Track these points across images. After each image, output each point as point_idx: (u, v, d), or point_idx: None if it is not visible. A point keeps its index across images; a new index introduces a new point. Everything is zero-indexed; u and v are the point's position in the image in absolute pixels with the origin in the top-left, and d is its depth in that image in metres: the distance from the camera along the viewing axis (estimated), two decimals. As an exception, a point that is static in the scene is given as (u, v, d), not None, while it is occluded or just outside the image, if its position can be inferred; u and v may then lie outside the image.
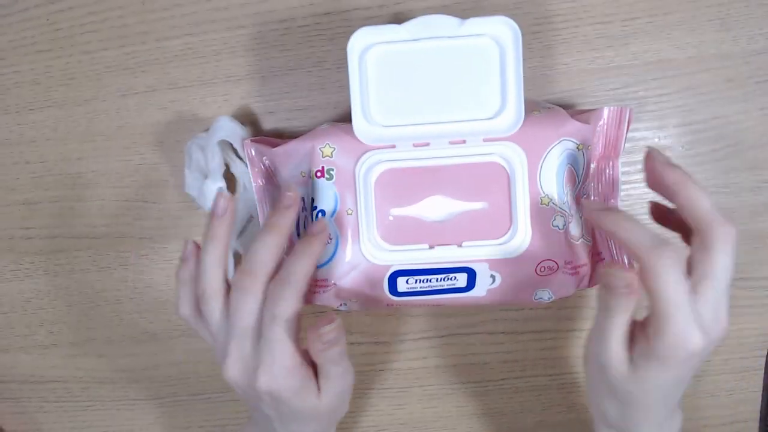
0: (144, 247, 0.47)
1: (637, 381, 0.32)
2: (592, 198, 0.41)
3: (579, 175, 0.39)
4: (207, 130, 0.42)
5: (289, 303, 0.32)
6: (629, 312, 0.32)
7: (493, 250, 0.38)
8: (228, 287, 0.35)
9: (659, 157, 0.34)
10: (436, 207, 0.38)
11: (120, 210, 0.46)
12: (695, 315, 0.30)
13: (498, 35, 0.36)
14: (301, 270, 0.33)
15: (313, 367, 0.34)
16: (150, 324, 0.48)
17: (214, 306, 0.34)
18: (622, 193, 0.42)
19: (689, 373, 0.32)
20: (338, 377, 0.34)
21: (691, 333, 0.30)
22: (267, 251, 0.33)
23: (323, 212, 0.38)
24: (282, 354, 0.32)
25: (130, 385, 0.49)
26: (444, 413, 0.48)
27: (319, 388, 0.34)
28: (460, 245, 0.38)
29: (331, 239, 0.39)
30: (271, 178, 0.42)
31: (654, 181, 0.34)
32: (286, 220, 0.35)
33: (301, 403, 0.34)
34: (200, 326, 0.36)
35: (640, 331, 0.32)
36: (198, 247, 0.36)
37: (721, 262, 0.31)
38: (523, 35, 0.36)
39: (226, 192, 0.35)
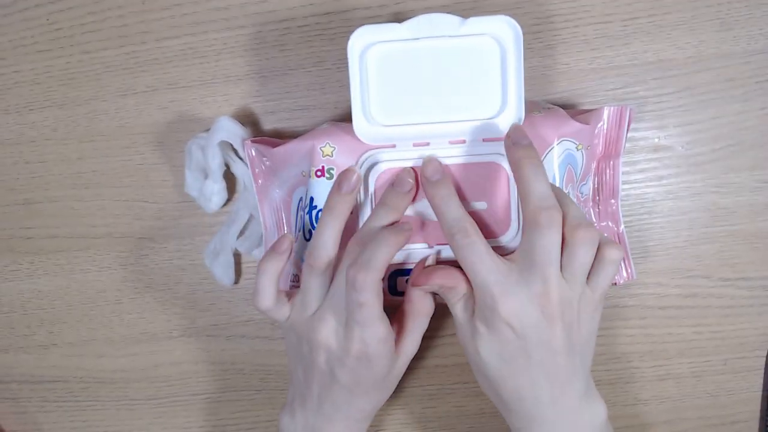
0: (144, 247, 0.47)
1: (477, 350, 0.35)
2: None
3: (577, 176, 0.39)
4: (208, 130, 0.43)
5: (371, 290, 0.34)
6: (465, 298, 0.36)
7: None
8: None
9: (513, 136, 0.36)
10: (436, 207, 0.38)
11: (120, 210, 0.46)
12: (500, 283, 0.33)
13: (499, 35, 0.36)
14: (381, 257, 0.35)
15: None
16: (150, 324, 0.48)
17: (318, 282, 0.37)
18: (622, 193, 0.42)
19: (524, 344, 0.34)
20: (417, 332, 0.38)
21: (491, 296, 0.33)
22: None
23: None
24: (374, 329, 0.35)
25: (130, 385, 0.49)
26: (444, 413, 0.48)
27: (397, 352, 0.37)
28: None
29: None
30: (271, 178, 0.42)
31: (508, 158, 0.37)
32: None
33: (382, 366, 0.36)
34: (278, 313, 0.38)
35: None
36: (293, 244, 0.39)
37: (532, 243, 0.33)
38: (523, 35, 0.36)
39: (358, 170, 0.37)
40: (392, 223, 0.37)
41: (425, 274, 0.36)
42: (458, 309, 0.36)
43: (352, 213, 0.38)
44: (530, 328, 0.33)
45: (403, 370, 0.39)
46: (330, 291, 0.37)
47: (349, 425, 0.39)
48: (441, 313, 0.46)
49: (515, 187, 0.37)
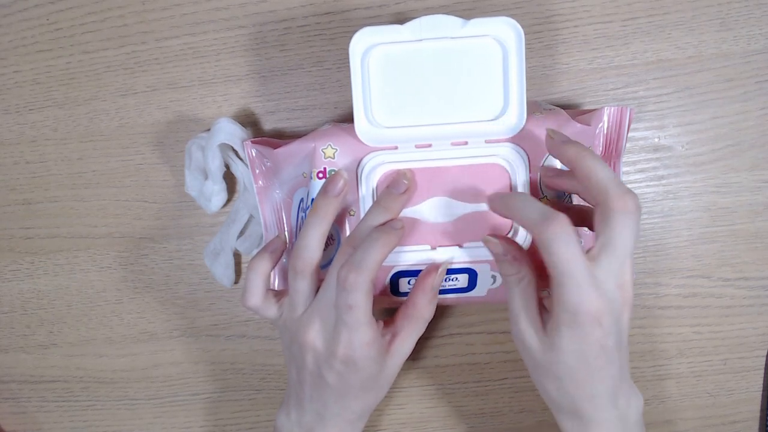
0: (144, 247, 0.47)
1: (553, 351, 0.33)
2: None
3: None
4: (208, 130, 0.42)
5: (361, 291, 0.34)
6: (525, 282, 0.34)
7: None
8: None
9: (557, 137, 0.35)
10: (438, 208, 0.38)
11: (120, 210, 0.46)
12: (592, 280, 0.31)
13: (501, 36, 0.36)
14: (373, 258, 0.34)
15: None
16: (150, 324, 0.48)
17: (304, 284, 0.37)
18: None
19: (607, 341, 0.32)
20: (414, 335, 0.38)
21: (587, 296, 0.31)
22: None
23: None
24: (361, 333, 0.35)
25: (130, 385, 0.49)
26: (444, 413, 0.48)
27: (388, 353, 0.37)
28: (461, 246, 0.38)
29: (333, 240, 0.39)
30: (272, 179, 0.42)
31: (559, 160, 0.36)
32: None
33: (370, 370, 0.36)
34: (266, 312, 0.39)
35: (548, 304, 0.34)
36: (285, 246, 0.40)
37: (618, 231, 0.32)
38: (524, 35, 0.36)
39: (344, 173, 0.37)
40: (385, 224, 0.36)
41: (499, 238, 0.35)
42: (515, 294, 0.34)
43: (354, 216, 0.38)
44: (616, 323, 0.33)
45: (396, 370, 0.39)
46: (319, 293, 0.37)
47: (343, 426, 0.38)
48: (441, 313, 0.46)
49: (517, 188, 0.37)
